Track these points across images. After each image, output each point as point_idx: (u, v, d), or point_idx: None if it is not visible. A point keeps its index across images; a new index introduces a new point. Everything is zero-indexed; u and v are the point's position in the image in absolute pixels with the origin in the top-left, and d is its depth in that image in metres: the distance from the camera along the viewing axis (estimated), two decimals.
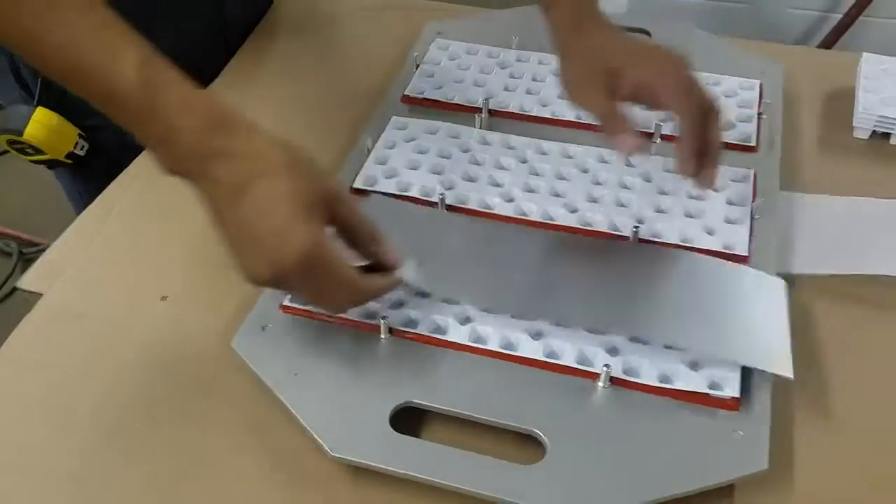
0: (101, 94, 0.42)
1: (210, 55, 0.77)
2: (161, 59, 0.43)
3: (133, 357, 0.53)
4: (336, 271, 0.46)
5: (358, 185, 0.63)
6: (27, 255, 1.70)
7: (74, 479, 0.47)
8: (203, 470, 0.47)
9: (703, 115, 0.53)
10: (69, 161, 0.69)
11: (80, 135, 0.69)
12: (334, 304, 0.49)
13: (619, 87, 0.53)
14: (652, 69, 0.53)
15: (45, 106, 0.68)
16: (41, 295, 0.58)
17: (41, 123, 0.67)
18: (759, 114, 0.68)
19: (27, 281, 0.59)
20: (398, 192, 0.62)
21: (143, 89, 0.41)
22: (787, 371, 0.48)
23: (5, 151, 0.70)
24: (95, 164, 0.71)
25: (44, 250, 1.27)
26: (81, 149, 0.70)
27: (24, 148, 0.68)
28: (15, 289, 1.63)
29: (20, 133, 0.67)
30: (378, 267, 0.50)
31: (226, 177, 0.43)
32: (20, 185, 1.88)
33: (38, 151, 0.68)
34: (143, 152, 0.68)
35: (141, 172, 0.67)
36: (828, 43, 1.24)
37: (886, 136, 0.68)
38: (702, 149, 0.53)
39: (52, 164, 0.70)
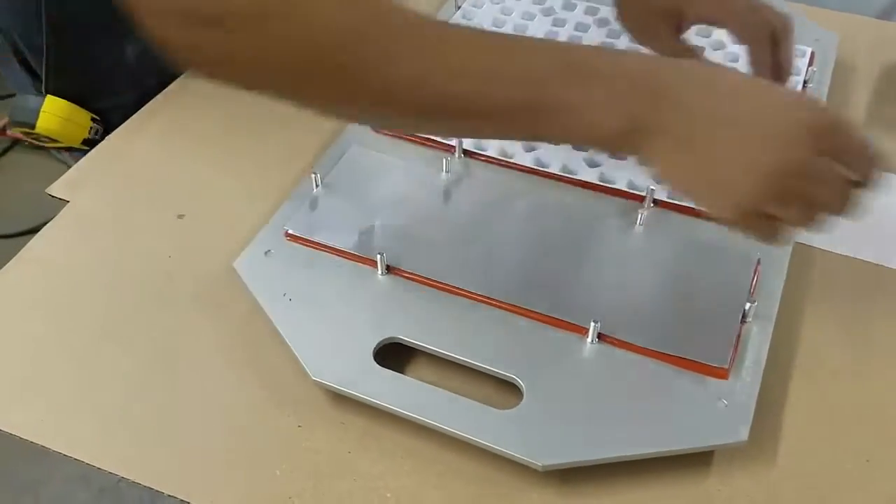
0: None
1: None
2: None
3: (142, 268, 0.55)
4: (855, 139, 0.38)
5: None
6: None
7: (68, 376, 0.49)
8: (195, 379, 0.49)
9: (769, 39, 0.52)
10: (86, 147, 0.68)
11: (92, 119, 0.68)
12: (827, 198, 0.38)
13: (682, 25, 0.54)
14: (711, 4, 0.53)
15: (54, 93, 0.66)
16: (67, 202, 0.60)
17: (52, 114, 0.66)
18: (805, 82, 0.65)
19: (56, 188, 0.61)
20: (413, 137, 0.62)
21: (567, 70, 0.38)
22: (722, 362, 0.46)
23: (15, 143, 0.70)
24: None
25: None
26: (96, 133, 0.68)
27: (38, 136, 0.68)
28: None
29: (32, 126, 0.66)
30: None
31: (699, 96, 0.38)
32: None
33: (53, 140, 0.67)
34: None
35: (175, 95, 0.68)
36: None
37: None
38: (772, 74, 0.52)
39: (69, 149, 0.70)
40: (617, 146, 0.39)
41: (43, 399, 0.48)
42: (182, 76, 0.70)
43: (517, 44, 0.39)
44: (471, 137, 0.49)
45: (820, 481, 0.44)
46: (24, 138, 0.68)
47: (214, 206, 0.59)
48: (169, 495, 0.44)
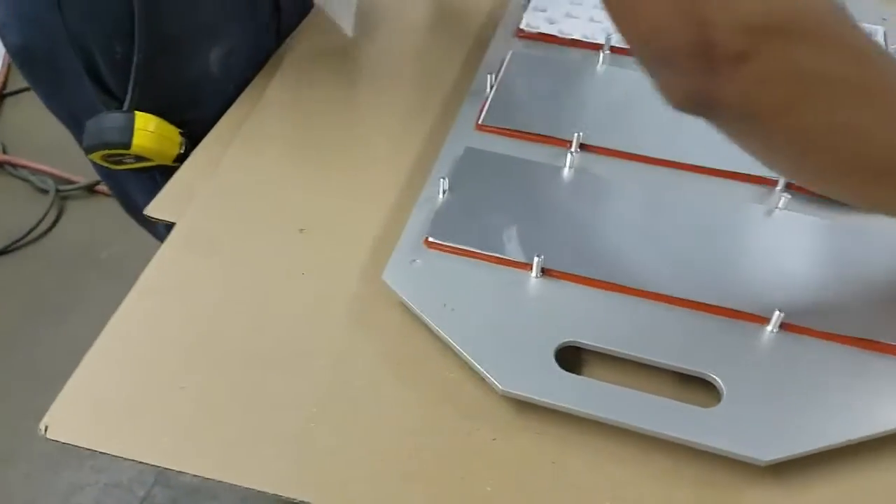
0: None
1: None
2: None
3: (275, 290, 0.52)
4: None
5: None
6: (63, 192, 1.68)
7: (224, 415, 0.46)
8: (372, 402, 0.46)
9: None
10: (177, 164, 0.62)
11: (181, 133, 0.63)
12: None
13: None
14: None
15: (138, 109, 0.61)
16: (173, 223, 0.56)
17: (146, 131, 0.60)
18: None
19: (154, 209, 0.57)
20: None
21: None
22: None
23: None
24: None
25: (82, 188, 1.22)
26: (183, 147, 0.63)
27: (121, 159, 0.62)
28: (53, 225, 1.62)
29: (128, 145, 0.60)
30: None
31: None
32: (54, 121, 1.85)
33: (140, 159, 0.62)
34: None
35: (252, 99, 0.65)
36: None
37: None
38: None
39: (148, 169, 0.64)
40: None
41: (215, 434, 0.45)
42: (257, 78, 0.67)
43: None
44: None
45: None
46: (102, 162, 0.62)
47: (330, 216, 0.57)
48: None
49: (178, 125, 0.63)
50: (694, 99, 0.38)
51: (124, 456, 0.44)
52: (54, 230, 1.64)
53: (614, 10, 0.37)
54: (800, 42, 0.35)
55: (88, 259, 1.57)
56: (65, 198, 1.69)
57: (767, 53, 0.35)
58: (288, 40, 0.71)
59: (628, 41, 0.38)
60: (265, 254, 0.54)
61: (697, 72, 0.36)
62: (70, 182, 1.69)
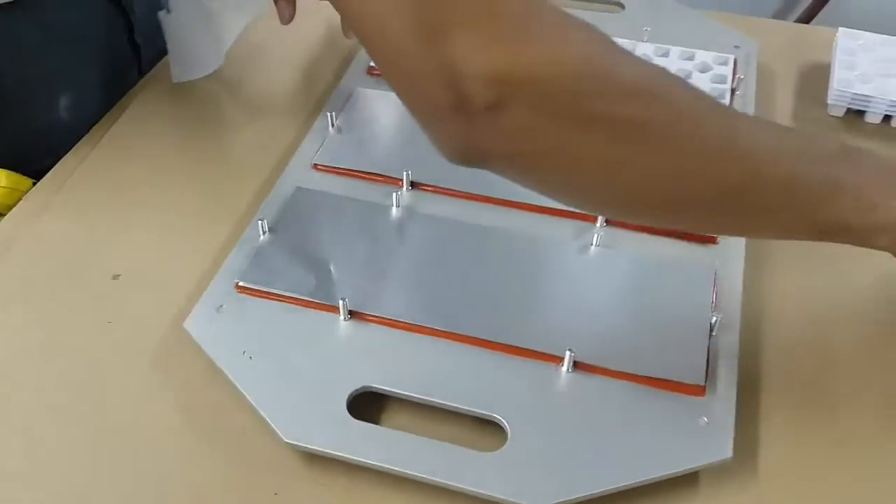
0: None
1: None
2: None
3: (84, 339, 0.51)
4: None
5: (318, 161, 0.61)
6: None
7: (22, 462, 0.45)
8: (157, 454, 0.46)
9: None
10: None
11: (34, 183, 0.61)
12: None
13: None
14: None
15: None
16: None
17: (2, 187, 0.59)
18: (733, 89, 0.67)
19: None
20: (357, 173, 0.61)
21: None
22: (698, 379, 0.46)
23: None
24: None
25: None
26: None
27: None
28: None
29: None
30: None
31: None
32: None
33: None
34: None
35: (97, 146, 0.64)
36: (806, 18, 1.22)
37: (861, 113, 0.67)
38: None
39: None
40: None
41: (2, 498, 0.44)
42: (102, 120, 0.66)
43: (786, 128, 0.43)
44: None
45: (805, 485, 0.45)
46: None
47: (150, 263, 0.56)
48: None
49: (34, 175, 0.62)
50: (463, 152, 0.37)
51: None
52: None
53: (383, 73, 0.37)
54: (551, 88, 0.35)
55: None
56: None
57: (518, 102, 0.35)
58: (141, 81, 0.71)
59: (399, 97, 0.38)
60: (75, 303, 0.53)
61: (458, 126, 0.36)
62: None
